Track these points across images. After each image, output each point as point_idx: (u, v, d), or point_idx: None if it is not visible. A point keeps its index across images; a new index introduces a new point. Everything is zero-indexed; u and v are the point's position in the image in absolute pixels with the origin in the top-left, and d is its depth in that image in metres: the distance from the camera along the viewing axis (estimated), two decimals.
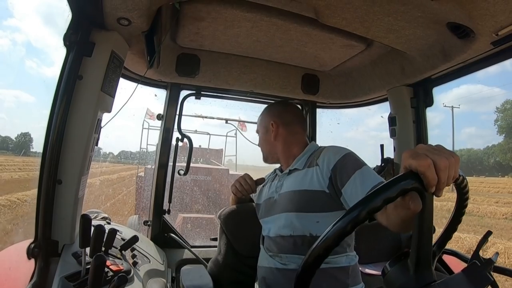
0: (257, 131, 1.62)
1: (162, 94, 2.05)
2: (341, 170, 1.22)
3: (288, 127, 1.49)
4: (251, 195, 1.67)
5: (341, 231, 0.59)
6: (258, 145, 1.62)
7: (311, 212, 1.28)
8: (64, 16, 1.05)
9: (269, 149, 1.55)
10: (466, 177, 0.69)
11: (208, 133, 10.23)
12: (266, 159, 1.58)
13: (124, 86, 1.61)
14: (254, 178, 1.61)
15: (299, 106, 1.61)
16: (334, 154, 1.28)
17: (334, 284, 1.25)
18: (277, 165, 1.59)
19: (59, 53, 1.12)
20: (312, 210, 1.28)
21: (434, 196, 0.64)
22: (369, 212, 0.58)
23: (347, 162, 1.23)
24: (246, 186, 1.58)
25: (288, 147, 1.48)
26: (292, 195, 1.34)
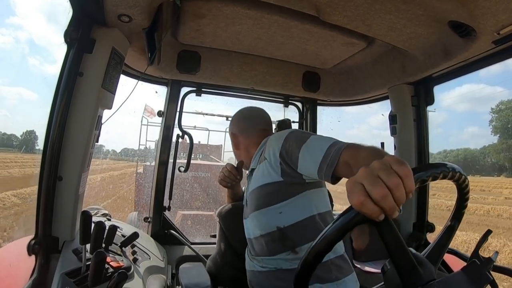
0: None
1: (163, 90, 2.05)
2: (288, 152, 1.18)
3: (244, 134, 1.52)
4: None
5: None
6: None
7: (272, 205, 1.26)
8: (66, 13, 1.05)
9: (237, 157, 1.59)
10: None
11: (207, 129, 10.19)
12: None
13: (125, 83, 1.61)
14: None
15: (257, 107, 1.63)
16: (276, 141, 1.25)
17: (317, 280, 1.21)
18: None
19: (61, 50, 1.12)
20: (271, 203, 1.26)
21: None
22: (318, 255, 0.62)
23: (291, 142, 1.19)
24: (227, 174, 1.60)
25: (248, 151, 1.51)
26: (253, 194, 1.33)
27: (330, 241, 0.59)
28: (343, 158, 0.99)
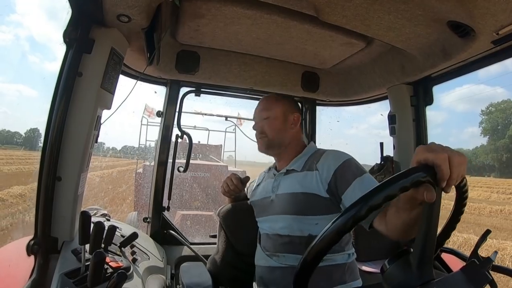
0: (266, 117, 1.47)
1: (162, 90, 2.05)
2: (341, 177, 1.23)
3: (298, 123, 1.50)
4: (245, 191, 1.67)
5: (356, 216, 0.61)
6: (261, 131, 1.48)
7: (310, 215, 1.28)
8: (66, 11, 1.05)
9: (280, 137, 1.46)
10: None
11: (207, 129, 10.18)
12: (268, 147, 1.48)
13: (124, 83, 1.61)
14: (251, 174, 1.61)
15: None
16: (334, 159, 1.29)
17: (330, 281, 1.26)
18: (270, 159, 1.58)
19: (61, 48, 1.13)
20: (311, 213, 1.28)
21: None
22: (386, 197, 0.60)
23: (347, 168, 1.24)
24: (232, 187, 1.57)
25: (292, 144, 1.47)
26: (290, 197, 1.33)
27: (403, 187, 0.61)
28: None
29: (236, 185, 1.57)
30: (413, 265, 0.65)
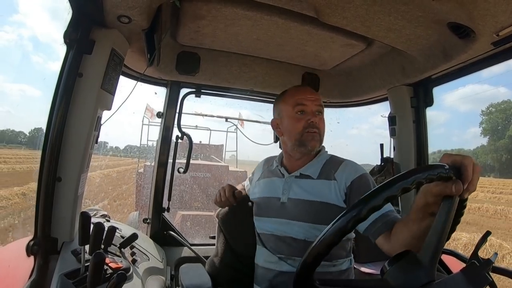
0: (320, 111, 1.39)
1: (162, 91, 2.05)
2: (356, 189, 1.24)
3: None
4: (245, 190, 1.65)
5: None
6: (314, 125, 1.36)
7: (328, 225, 1.24)
8: (67, 12, 1.05)
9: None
10: None
11: (208, 129, 10.19)
12: (320, 144, 1.39)
13: (124, 84, 1.61)
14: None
15: None
16: (353, 171, 1.29)
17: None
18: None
19: (64, 49, 1.13)
20: (329, 222, 1.22)
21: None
22: (418, 183, 0.65)
23: (363, 184, 1.25)
24: (223, 199, 1.48)
25: None
26: (307, 205, 1.30)
27: (429, 178, 0.66)
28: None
29: (227, 198, 1.47)
30: (417, 265, 0.65)
